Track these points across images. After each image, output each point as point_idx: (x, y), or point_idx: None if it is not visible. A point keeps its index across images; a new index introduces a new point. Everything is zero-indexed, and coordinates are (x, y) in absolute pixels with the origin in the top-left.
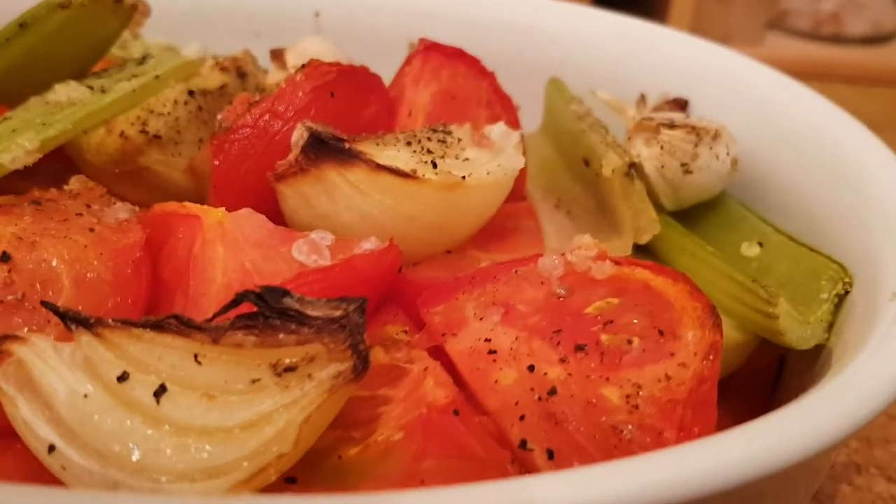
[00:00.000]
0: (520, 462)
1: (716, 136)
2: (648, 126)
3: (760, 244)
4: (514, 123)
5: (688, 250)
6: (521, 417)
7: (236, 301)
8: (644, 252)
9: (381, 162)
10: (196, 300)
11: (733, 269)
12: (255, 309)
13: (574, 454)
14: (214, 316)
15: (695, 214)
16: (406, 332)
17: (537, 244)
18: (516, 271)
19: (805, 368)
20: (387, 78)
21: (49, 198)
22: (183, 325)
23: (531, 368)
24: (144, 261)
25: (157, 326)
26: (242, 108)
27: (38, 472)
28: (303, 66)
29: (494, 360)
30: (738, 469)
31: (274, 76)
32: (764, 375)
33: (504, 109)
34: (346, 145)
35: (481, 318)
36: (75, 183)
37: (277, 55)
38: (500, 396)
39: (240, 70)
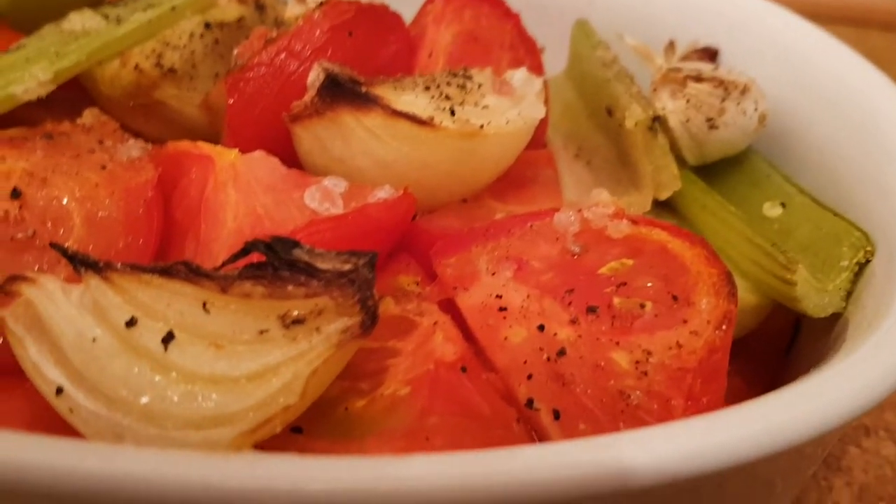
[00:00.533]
0: (526, 421)
1: (744, 90)
2: (675, 78)
3: (783, 205)
4: (537, 68)
5: (708, 208)
6: (529, 376)
7: (245, 250)
8: (664, 208)
9: (398, 108)
10: (206, 244)
11: (753, 232)
12: (264, 259)
13: (580, 416)
14: (224, 264)
15: (718, 169)
16: (417, 283)
17: (555, 195)
18: (531, 225)
19: (821, 334)
20: (407, 17)
21: (61, 131)
22: (192, 273)
23: (541, 328)
24: (156, 200)
25: (166, 272)
26: (259, 45)
27: (46, 413)
28: (321, 2)
29: (505, 318)
30: (760, 442)
31: (293, 9)
32: (778, 338)
33: (528, 53)
34: (363, 89)
35: (493, 273)
36: (88, 117)
37: None
38: (509, 354)
39: (258, 2)
